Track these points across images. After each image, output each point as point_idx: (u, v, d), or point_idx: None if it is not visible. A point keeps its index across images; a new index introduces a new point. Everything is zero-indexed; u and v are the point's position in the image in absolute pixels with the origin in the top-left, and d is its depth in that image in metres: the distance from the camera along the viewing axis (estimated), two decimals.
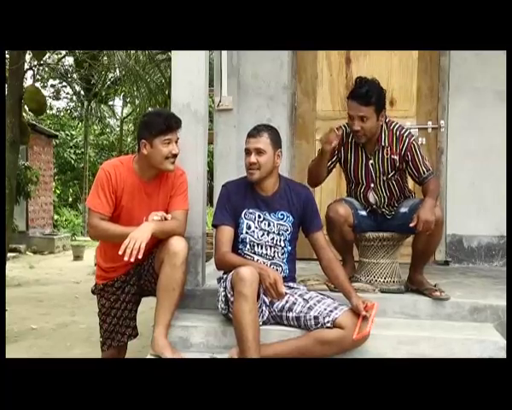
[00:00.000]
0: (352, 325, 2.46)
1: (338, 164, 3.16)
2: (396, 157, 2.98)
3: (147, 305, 3.10)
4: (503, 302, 2.81)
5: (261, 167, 2.69)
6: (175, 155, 2.69)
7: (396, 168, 3.01)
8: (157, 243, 2.70)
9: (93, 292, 2.96)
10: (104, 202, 2.67)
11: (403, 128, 3.01)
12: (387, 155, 2.99)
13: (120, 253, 2.45)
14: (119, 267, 2.80)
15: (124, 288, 2.86)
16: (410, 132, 3.00)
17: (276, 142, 2.75)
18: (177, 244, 2.60)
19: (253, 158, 2.68)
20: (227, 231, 2.74)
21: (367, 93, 2.87)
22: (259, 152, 2.68)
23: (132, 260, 2.46)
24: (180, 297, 2.66)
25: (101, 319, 2.92)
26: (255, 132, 2.72)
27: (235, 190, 2.80)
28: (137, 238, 2.48)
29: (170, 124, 2.67)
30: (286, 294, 2.55)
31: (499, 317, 2.79)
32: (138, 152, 2.74)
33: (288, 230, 2.77)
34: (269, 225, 2.76)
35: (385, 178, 3.03)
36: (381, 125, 2.97)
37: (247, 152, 2.73)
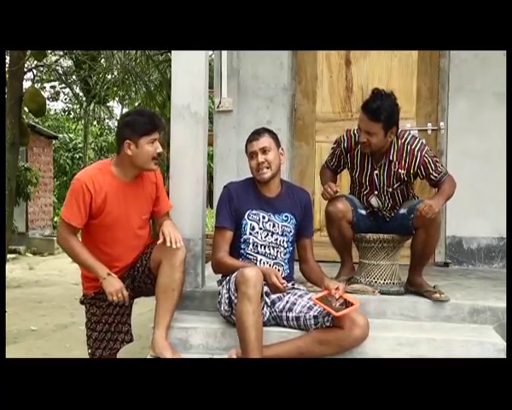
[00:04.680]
0: (351, 324, 2.46)
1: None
2: (403, 171, 2.95)
3: (145, 307, 3.09)
4: (502, 304, 2.81)
5: (271, 165, 2.72)
6: (159, 155, 2.69)
7: (402, 180, 2.99)
8: (148, 243, 2.69)
9: (82, 302, 2.86)
10: (76, 213, 2.60)
11: (414, 140, 2.94)
12: (395, 168, 2.96)
13: (168, 245, 2.49)
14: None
15: None
16: (421, 144, 2.94)
17: (277, 141, 2.81)
18: None
19: (260, 158, 2.71)
20: (226, 234, 2.75)
21: (377, 109, 2.80)
22: (266, 151, 2.72)
23: (179, 245, 2.52)
24: (179, 298, 2.65)
25: (90, 329, 2.80)
26: (256, 135, 2.76)
27: (238, 191, 2.80)
28: (172, 231, 2.54)
29: (155, 123, 2.66)
30: (287, 289, 2.57)
31: (499, 318, 2.79)
32: (118, 153, 2.68)
33: (291, 231, 2.81)
34: (273, 226, 2.77)
35: (390, 190, 3.02)
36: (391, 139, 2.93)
37: (253, 155, 2.74)
